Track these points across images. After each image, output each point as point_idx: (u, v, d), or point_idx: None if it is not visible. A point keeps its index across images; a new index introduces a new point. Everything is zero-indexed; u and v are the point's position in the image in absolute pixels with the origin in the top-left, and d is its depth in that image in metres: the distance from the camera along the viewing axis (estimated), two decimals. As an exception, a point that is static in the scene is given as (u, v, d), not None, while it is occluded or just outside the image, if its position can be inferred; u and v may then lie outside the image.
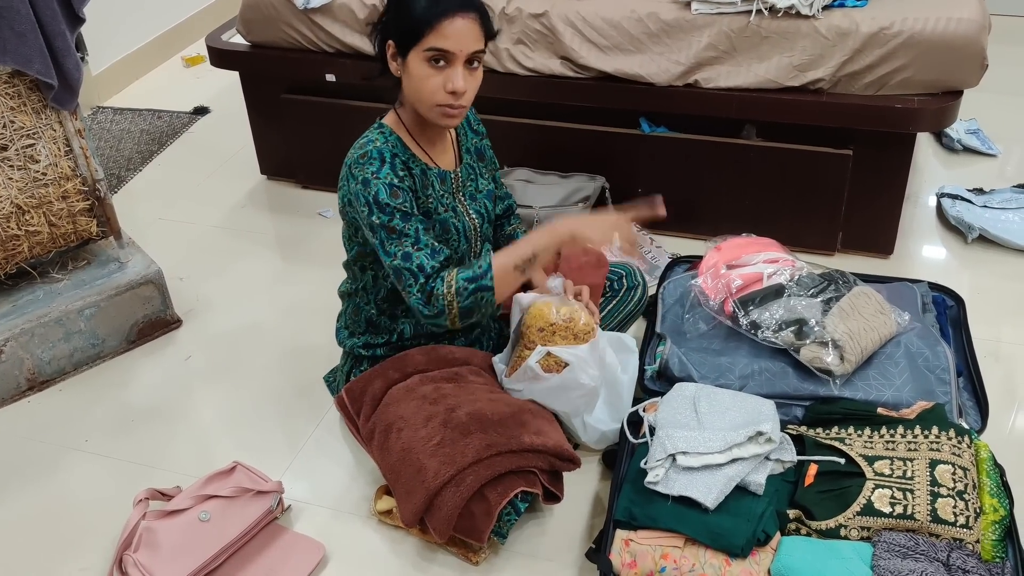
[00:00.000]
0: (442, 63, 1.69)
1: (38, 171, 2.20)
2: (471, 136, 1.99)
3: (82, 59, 2.19)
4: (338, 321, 2.07)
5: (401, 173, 1.75)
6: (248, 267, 2.78)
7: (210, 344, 2.46)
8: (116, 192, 3.20)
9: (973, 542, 1.58)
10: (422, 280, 1.72)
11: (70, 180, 2.26)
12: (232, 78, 3.08)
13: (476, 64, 1.73)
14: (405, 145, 1.81)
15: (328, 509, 1.96)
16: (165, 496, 1.89)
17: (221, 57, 2.97)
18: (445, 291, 1.71)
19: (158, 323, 2.48)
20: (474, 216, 1.93)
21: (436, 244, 1.77)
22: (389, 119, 1.85)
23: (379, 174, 1.73)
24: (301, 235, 2.92)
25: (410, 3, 1.68)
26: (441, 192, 1.86)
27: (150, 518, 1.81)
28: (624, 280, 2.14)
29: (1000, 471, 1.71)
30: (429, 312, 1.74)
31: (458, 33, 1.66)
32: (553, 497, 1.81)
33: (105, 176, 2.42)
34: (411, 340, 1.97)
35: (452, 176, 1.89)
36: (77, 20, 2.15)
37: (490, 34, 1.74)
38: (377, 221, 1.73)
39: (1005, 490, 1.68)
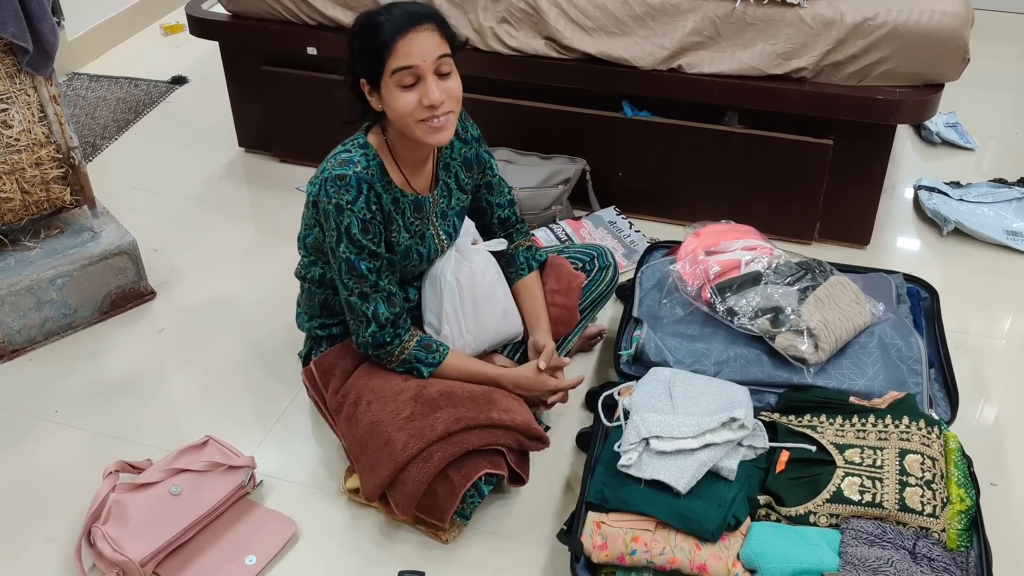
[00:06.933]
0: (412, 82, 1.66)
1: (11, 136, 2.16)
2: (457, 146, 1.91)
3: (58, 23, 2.15)
4: (298, 306, 2.04)
5: (374, 208, 1.74)
6: (223, 240, 2.75)
7: (184, 317, 2.44)
8: (91, 160, 3.15)
9: (939, 531, 1.60)
10: (374, 328, 1.79)
11: (43, 147, 2.23)
12: (211, 48, 3.04)
13: (447, 71, 1.69)
14: (385, 170, 1.78)
15: (300, 485, 1.95)
16: (135, 469, 1.88)
17: (201, 26, 2.92)
18: (396, 353, 1.82)
19: (131, 294, 2.45)
20: (443, 237, 1.92)
21: (392, 288, 1.80)
22: (374, 138, 1.79)
23: (354, 206, 1.71)
24: (277, 209, 2.89)
25: (365, 37, 1.66)
26: (412, 219, 1.84)
27: (120, 491, 1.79)
28: (596, 260, 2.13)
29: (968, 462, 1.73)
30: (372, 353, 1.83)
31: (416, 47, 1.63)
32: (519, 479, 1.81)
33: (80, 144, 2.38)
34: None
35: (429, 201, 1.86)
36: (53, -17, 2.11)
37: (453, 41, 1.70)
38: (344, 254, 1.74)
39: (972, 481, 1.70)
